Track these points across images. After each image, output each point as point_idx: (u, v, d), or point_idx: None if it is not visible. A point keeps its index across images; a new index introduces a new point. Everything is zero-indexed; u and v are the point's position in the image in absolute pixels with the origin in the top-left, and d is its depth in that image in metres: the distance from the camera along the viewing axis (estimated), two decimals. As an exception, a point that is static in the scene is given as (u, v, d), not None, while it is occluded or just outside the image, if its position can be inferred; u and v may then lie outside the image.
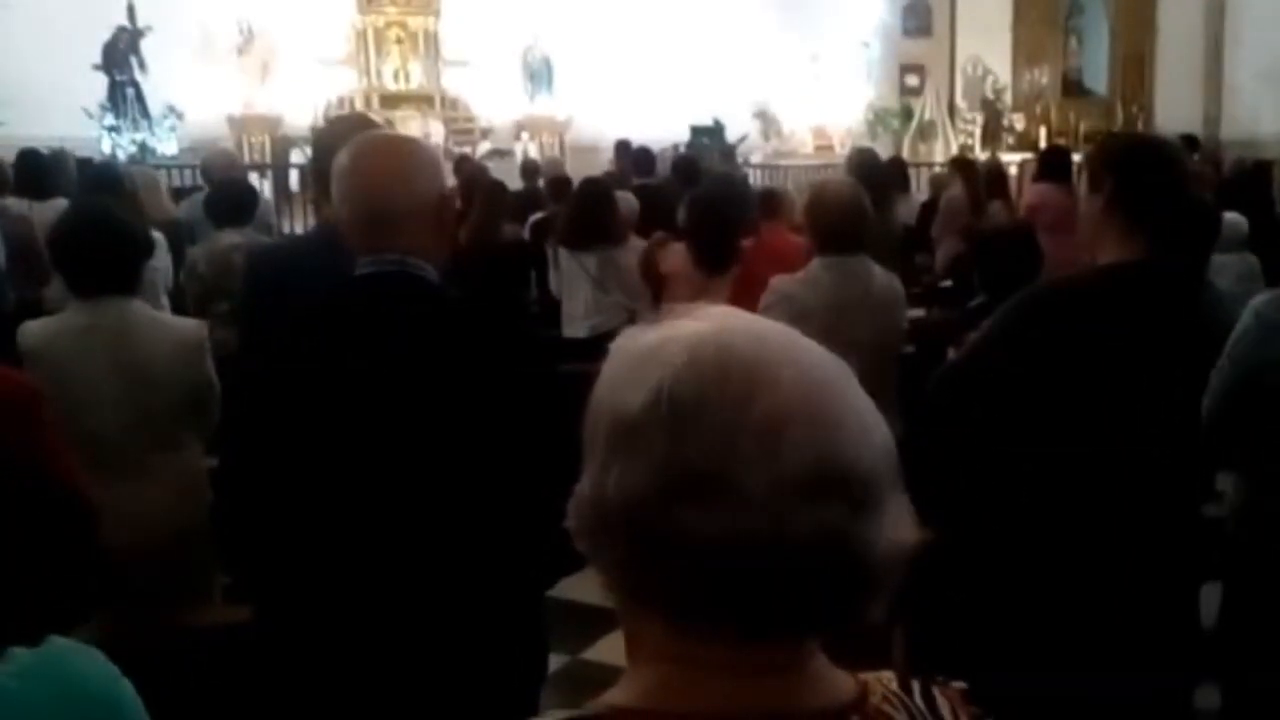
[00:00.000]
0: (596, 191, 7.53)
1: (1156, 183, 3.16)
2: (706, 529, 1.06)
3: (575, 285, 7.15)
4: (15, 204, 7.85)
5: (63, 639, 1.16)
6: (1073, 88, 20.33)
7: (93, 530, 2.79)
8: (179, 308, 6.56)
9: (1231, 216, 7.01)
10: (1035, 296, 3.30)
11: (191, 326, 4.11)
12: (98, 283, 3.92)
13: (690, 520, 1.07)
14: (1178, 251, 3.16)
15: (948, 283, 7.60)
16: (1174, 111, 18.99)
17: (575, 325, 7.13)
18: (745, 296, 5.63)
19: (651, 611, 1.16)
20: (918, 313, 6.06)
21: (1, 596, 2.19)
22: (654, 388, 1.10)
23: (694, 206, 6.84)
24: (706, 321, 1.16)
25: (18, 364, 3.73)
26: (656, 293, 6.84)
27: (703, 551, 1.07)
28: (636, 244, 7.22)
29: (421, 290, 2.66)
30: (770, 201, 7.39)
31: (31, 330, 3.96)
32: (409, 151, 2.80)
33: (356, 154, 2.71)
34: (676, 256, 6.67)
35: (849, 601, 1.12)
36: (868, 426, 1.12)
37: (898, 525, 1.12)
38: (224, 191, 7.43)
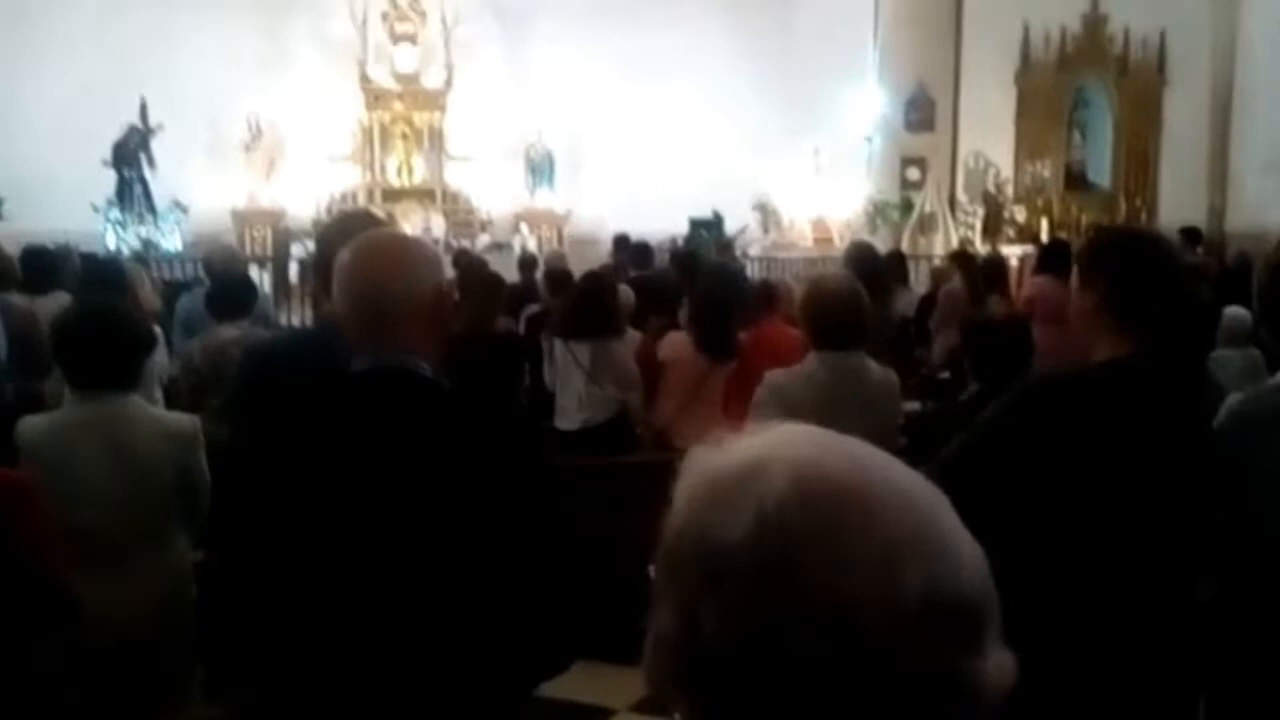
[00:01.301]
0: (600, 283, 7.55)
1: (1148, 281, 3.15)
2: (822, 666, 0.99)
3: (568, 377, 7.14)
4: (18, 298, 7.88)
5: None
6: (1075, 181, 20.40)
7: (75, 625, 2.77)
8: (171, 400, 6.58)
9: (1233, 310, 6.99)
10: (1029, 391, 3.29)
11: (186, 422, 4.12)
12: (98, 378, 3.94)
13: (804, 658, 0.99)
14: (1172, 348, 3.15)
15: (945, 375, 7.59)
16: (1178, 204, 19.03)
17: (568, 418, 7.11)
18: (742, 389, 5.64)
19: None
20: (914, 405, 6.05)
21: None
22: (756, 516, 1.02)
23: (697, 292, 6.88)
24: (793, 440, 1.09)
25: (15, 457, 3.74)
26: (654, 382, 6.85)
27: (817, 689, 1.00)
28: (632, 336, 7.23)
29: (417, 387, 2.69)
30: (767, 295, 7.42)
31: (30, 425, 3.98)
32: (408, 250, 2.84)
33: (357, 252, 2.74)
34: (676, 344, 6.69)
35: None
36: (970, 552, 1.06)
37: (1002, 655, 1.06)
38: (223, 286, 7.47)
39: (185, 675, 3.86)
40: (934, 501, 1.07)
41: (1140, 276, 3.15)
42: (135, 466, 3.89)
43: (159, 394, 6.81)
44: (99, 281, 7.82)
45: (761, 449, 1.07)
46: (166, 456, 3.94)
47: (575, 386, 7.08)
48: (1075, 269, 3.34)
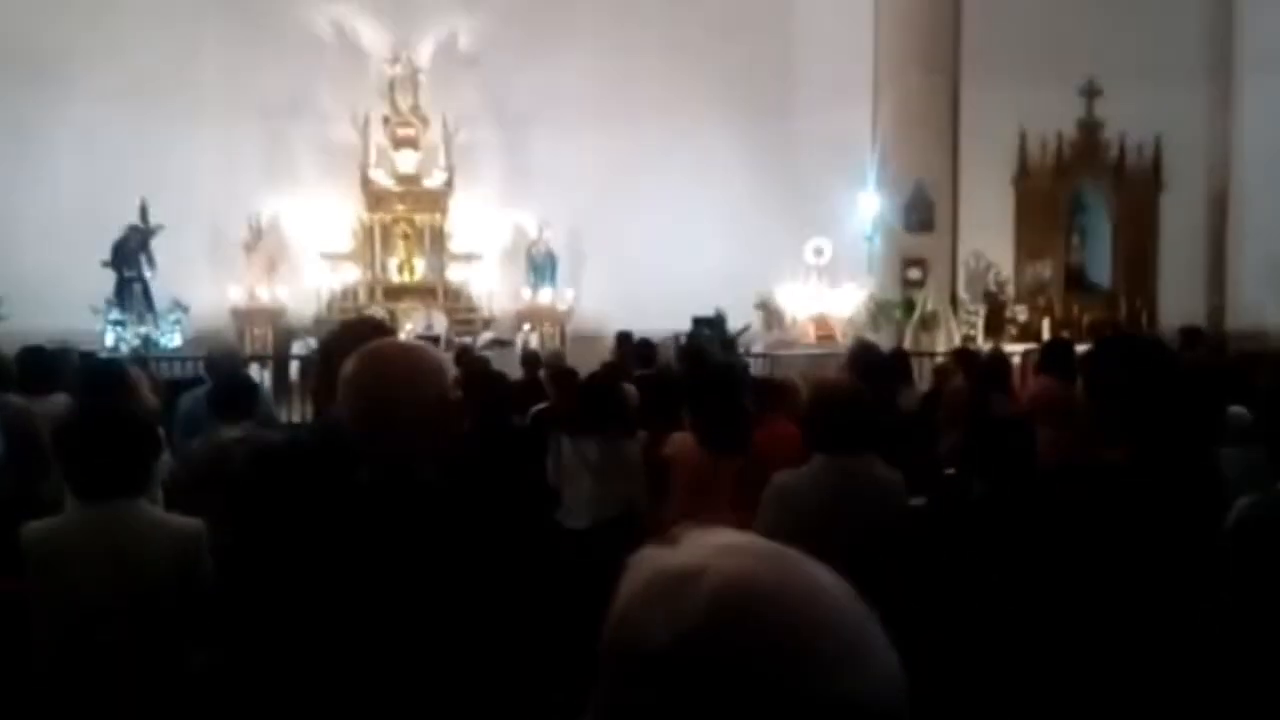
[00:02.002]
0: (608, 380, 7.56)
1: (1151, 386, 3.17)
2: None
3: (576, 475, 7.11)
4: (16, 398, 7.84)
5: None
6: (1076, 281, 20.50)
7: None
8: (171, 499, 6.52)
9: (1235, 410, 6.98)
10: (1040, 488, 3.29)
11: (192, 526, 4.04)
12: (103, 485, 3.89)
13: None
14: (1175, 449, 3.16)
15: (950, 471, 7.54)
16: (1178, 304, 19.14)
17: (576, 516, 7.06)
18: (749, 487, 5.59)
19: None
20: (919, 501, 6.01)
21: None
22: (677, 627, 1.06)
23: (699, 389, 6.86)
24: (736, 549, 1.13)
25: (18, 560, 3.69)
26: (660, 480, 6.80)
27: None
28: (638, 434, 7.20)
29: (423, 496, 2.71)
30: (774, 393, 7.39)
31: (33, 531, 3.93)
32: (412, 360, 2.87)
33: (363, 363, 2.79)
34: (681, 442, 6.65)
35: None
36: (890, 666, 1.09)
37: None
38: (226, 388, 7.45)
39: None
40: (862, 617, 1.10)
41: (1143, 382, 3.17)
42: (140, 574, 3.82)
43: (159, 494, 6.76)
44: (99, 383, 7.78)
45: (702, 556, 1.11)
46: (172, 561, 3.88)
47: (583, 484, 7.04)
48: (1082, 376, 3.37)
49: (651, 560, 1.13)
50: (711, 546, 1.12)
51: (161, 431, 7.07)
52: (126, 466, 3.93)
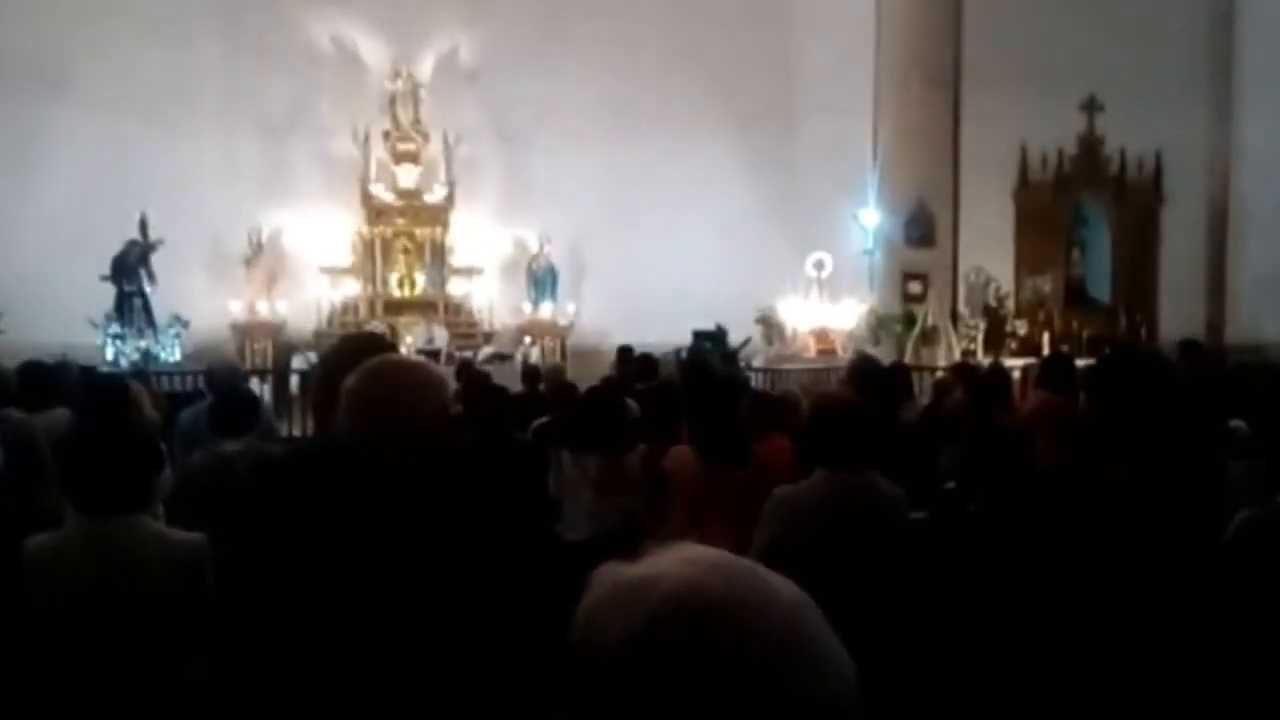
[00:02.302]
0: (609, 395, 7.55)
1: (1154, 399, 3.18)
2: None
3: (576, 489, 7.10)
4: (15, 413, 7.84)
5: None
6: (1076, 295, 20.54)
7: None
8: (171, 514, 6.51)
9: (1235, 424, 6.98)
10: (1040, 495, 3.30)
11: (194, 541, 4.03)
12: (106, 500, 3.88)
13: None
14: (1178, 462, 3.17)
15: (951, 485, 7.54)
16: (1177, 318, 19.20)
17: (577, 528, 7.05)
18: (750, 500, 5.59)
19: None
20: (919, 514, 6.01)
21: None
22: (627, 632, 1.11)
23: (698, 402, 6.86)
24: (692, 559, 1.18)
25: (20, 575, 3.69)
26: (660, 493, 6.80)
27: None
28: (638, 448, 7.19)
29: (425, 508, 2.74)
30: (774, 408, 7.39)
31: (35, 546, 3.92)
32: (414, 376, 2.90)
33: (365, 378, 2.82)
34: (680, 455, 6.65)
35: None
36: (840, 664, 1.13)
37: None
38: (227, 403, 7.45)
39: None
40: (810, 619, 1.14)
41: (1145, 395, 3.18)
42: (140, 588, 3.82)
43: (161, 510, 6.75)
44: (100, 398, 7.79)
45: (660, 566, 1.17)
46: (174, 576, 3.87)
47: (583, 498, 7.03)
48: (1087, 390, 3.39)
49: (614, 571, 1.20)
50: (672, 559, 1.18)
51: (163, 447, 7.08)
52: (128, 482, 3.92)
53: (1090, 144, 20.19)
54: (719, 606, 1.11)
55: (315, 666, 2.58)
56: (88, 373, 10.36)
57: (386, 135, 20.36)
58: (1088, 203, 20.60)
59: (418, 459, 2.74)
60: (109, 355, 17.10)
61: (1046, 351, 17.08)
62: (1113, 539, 3.06)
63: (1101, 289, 20.66)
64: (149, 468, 4.10)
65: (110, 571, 3.79)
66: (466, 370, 11.72)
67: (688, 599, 1.12)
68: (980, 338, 19.66)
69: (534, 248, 20.52)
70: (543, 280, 20.45)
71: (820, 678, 1.10)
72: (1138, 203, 20.30)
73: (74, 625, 3.71)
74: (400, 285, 20.16)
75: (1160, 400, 3.24)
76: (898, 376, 10.19)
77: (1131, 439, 3.15)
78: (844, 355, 17.12)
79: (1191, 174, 20.05)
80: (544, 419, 8.76)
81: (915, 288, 20.56)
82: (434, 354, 16.76)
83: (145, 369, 15.11)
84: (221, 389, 8.35)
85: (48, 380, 8.51)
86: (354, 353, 3.14)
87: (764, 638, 1.10)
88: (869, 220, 20.23)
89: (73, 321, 16.58)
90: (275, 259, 19.85)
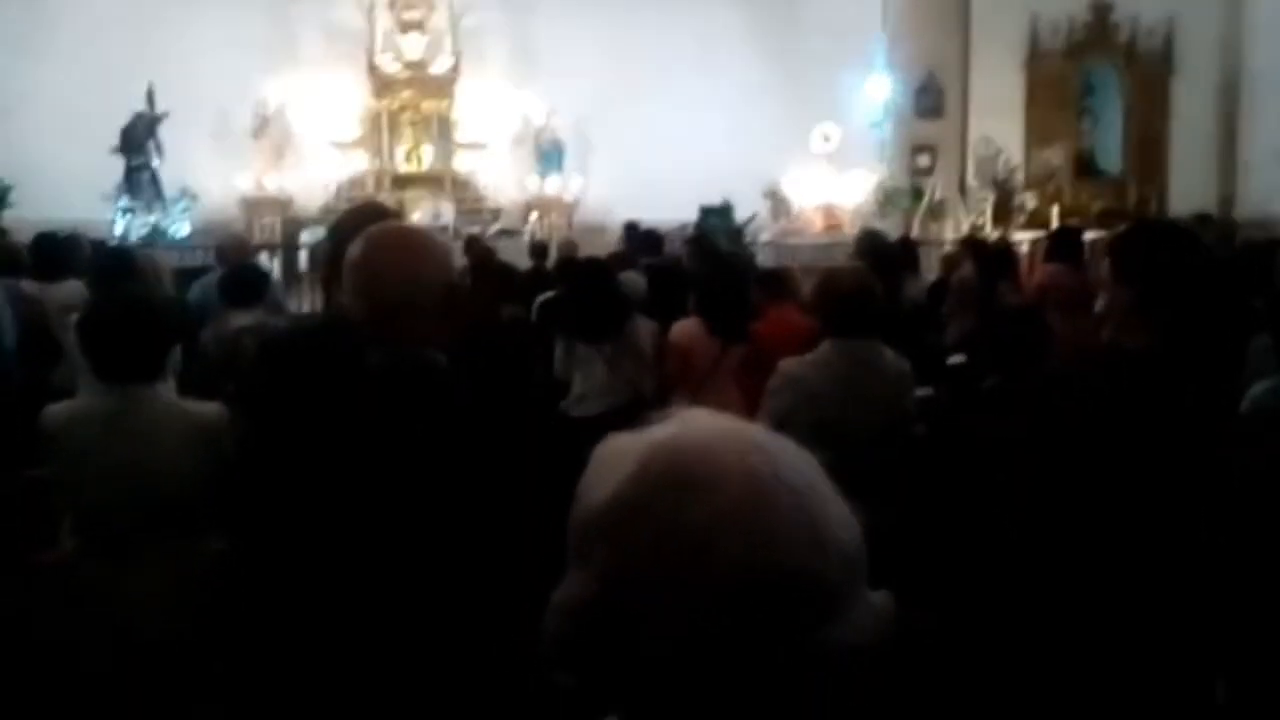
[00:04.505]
0: (598, 282, 7.38)
1: (1181, 274, 3.15)
2: (666, 630, 1.07)
3: (589, 365, 7.07)
4: (28, 285, 7.87)
5: None
6: (1086, 167, 20.37)
7: None
8: (183, 387, 6.56)
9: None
10: (1056, 379, 3.30)
11: (214, 412, 4.05)
12: (127, 370, 3.91)
13: (651, 621, 1.08)
14: (1202, 338, 3.16)
15: (957, 358, 7.56)
16: (1188, 191, 19.05)
17: (587, 404, 7.04)
18: (754, 378, 5.63)
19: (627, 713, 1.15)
20: (926, 391, 6.03)
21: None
22: (611, 491, 1.12)
23: (706, 277, 6.85)
24: (671, 427, 1.17)
25: (36, 445, 3.72)
26: (668, 369, 6.82)
27: (665, 651, 1.07)
28: (645, 323, 7.19)
29: (432, 382, 2.72)
30: (778, 283, 7.39)
31: (53, 414, 3.95)
32: (419, 245, 2.85)
33: (369, 248, 2.76)
34: (687, 329, 6.67)
35: (799, 702, 1.10)
36: (818, 533, 1.10)
37: (850, 624, 1.10)
38: (237, 274, 7.48)
39: (207, 667, 3.85)
40: (792, 486, 1.12)
41: (1174, 270, 3.15)
42: (160, 458, 3.85)
43: (172, 380, 6.80)
44: (112, 269, 7.80)
45: (645, 434, 1.17)
46: (194, 449, 3.89)
47: (596, 374, 6.99)
48: (1109, 261, 3.34)
49: (608, 445, 1.20)
50: (666, 425, 1.18)
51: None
52: (150, 352, 3.95)
53: (1101, 11, 19.89)
54: (698, 462, 1.11)
55: (325, 539, 2.60)
56: (98, 247, 10.37)
57: (391, 4, 20.09)
58: (1098, 72, 20.37)
59: (422, 331, 2.71)
60: (119, 230, 17.07)
61: (1055, 225, 16.98)
62: (1131, 412, 3.05)
63: (1112, 161, 20.49)
64: (171, 336, 4.13)
65: (130, 438, 3.83)
66: (473, 245, 11.69)
67: (668, 453, 1.12)
68: (989, 211, 19.56)
69: (540, 122, 20.35)
70: (549, 155, 20.29)
71: (795, 555, 1.08)
72: (1148, 72, 20.03)
73: (94, 493, 3.75)
74: (407, 159, 20.03)
75: (1193, 273, 3.20)
76: (904, 251, 10.18)
77: (1159, 312, 3.12)
78: (850, 231, 17.04)
79: (1203, 44, 19.74)
80: (548, 294, 8.75)
81: (924, 160, 20.42)
82: (441, 230, 16.70)
83: (155, 243, 15.11)
84: (231, 261, 8.39)
85: (60, 252, 8.54)
86: (361, 222, 3.11)
87: (736, 499, 1.08)
88: (878, 91, 20.03)
89: (83, 197, 16.54)
90: (282, 133, 19.69)
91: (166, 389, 4.07)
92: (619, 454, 1.16)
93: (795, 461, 1.15)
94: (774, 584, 1.06)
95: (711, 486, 1.08)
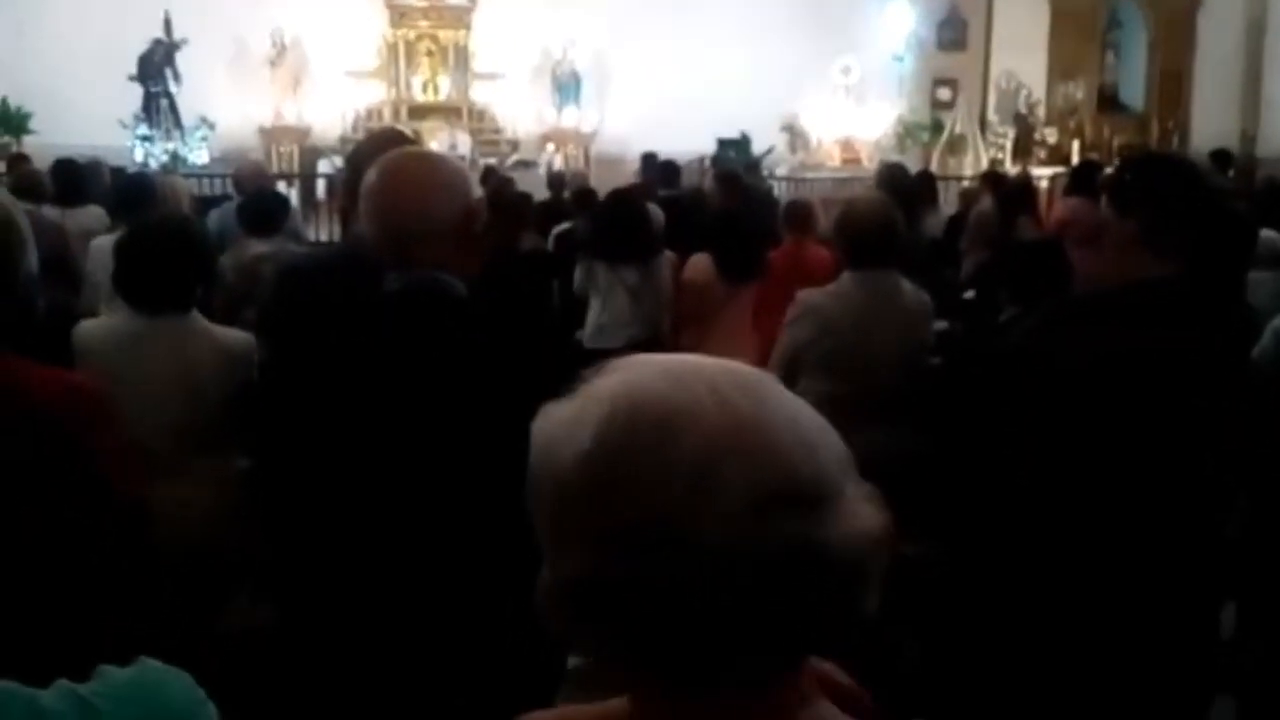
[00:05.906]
0: (632, 205, 7.46)
1: (1186, 206, 3.14)
2: (662, 578, 1.05)
3: (611, 296, 7.05)
4: (49, 211, 7.90)
5: (152, 660, 1.15)
6: (1108, 102, 20.25)
7: (150, 539, 2.78)
8: (203, 313, 6.59)
9: (1266, 233, 6.95)
10: (1063, 307, 3.29)
11: (243, 340, 4.07)
12: (161, 299, 3.93)
13: (645, 573, 1.05)
14: (1212, 267, 3.13)
15: (971, 294, 7.55)
16: (1210, 128, 18.93)
17: (606, 336, 7.02)
18: (771, 309, 5.63)
19: (650, 677, 1.14)
20: (943, 324, 6.03)
21: (90, 611, 2.19)
22: (578, 445, 1.08)
23: (717, 216, 6.82)
24: (619, 374, 1.14)
25: (70, 363, 3.74)
26: (682, 306, 6.83)
27: (667, 600, 1.05)
28: (666, 256, 7.18)
29: (449, 305, 2.70)
30: (798, 214, 7.38)
31: (87, 331, 3.98)
32: (435, 170, 2.82)
33: (384, 173, 2.74)
34: (700, 266, 6.66)
35: (832, 607, 1.10)
36: (802, 436, 1.10)
37: (855, 516, 1.09)
38: (256, 202, 7.49)
39: (235, 578, 3.89)
40: (760, 398, 1.10)
41: (1178, 202, 3.14)
42: (191, 380, 3.89)
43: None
44: (133, 196, 7.83)
45: (590, 389, 1.14)
46: (223, 372, 3.93)
47: (619, 304, 6.98)
48: (1111, 194, 3.32)
49: (549, 411, 1.16)
50: (608, 375, 1.15)
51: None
52: (187, 281, 3.98)
53: (1128, -59, 19.74)
54: (659, 404, 1.08)
55: (346, 462, 2.61)
56: (118, 173, 10.39)
57: (409, -73, 19.93)
58: (1124, 6, 20.17)
59: (440, 258, 2.69)
60: (138, 157, 17.08)
61: (1076, 161, 16.88)
62: (1156, 342, 3.03)
63: (1134, 96, 20.35)
64: (206, 265, 4.16)
65: (162, 359, 3.86)
66: (491, 176, 11.67)
67: (629, 403, 1.09)
68: (1009, 146, 19.46)
69: (558, 54, 20.23)
70: (567, 87, 20.17)
71: (783, 457, 1.07)
72: (1175, 6, 19.86)
73: (125, 411, 3.77)
74: (424, 89, 19.94)
75: (1190, 205, 3.18)
76: (922, 185, 10.15)
77: (1157, 244, 3.10)
78: (869, 165, 16.96)
79: (1231, -22, 19.60)
80: (565, 225, 8.75)
81: (944, 94, 20.30)
82: (458, 160, 16.64)
83: (174, 171, 15.12)
84: (250, 189, 8.40)
85: (80, 178, 8.59)
86: (378, 150, 3.10)
87: (723, 421, 1.06)
88: (900, 22, 19.86)
89: (102, 124, 16.56)
90: (299, 62, 19.61)
91: (196, 315, 4.09)
92: (568, 419, 1.12)
93: (749, 377, 1.13)
94: (787, 494, 1.05)
95: (691, 415, 1.06)
